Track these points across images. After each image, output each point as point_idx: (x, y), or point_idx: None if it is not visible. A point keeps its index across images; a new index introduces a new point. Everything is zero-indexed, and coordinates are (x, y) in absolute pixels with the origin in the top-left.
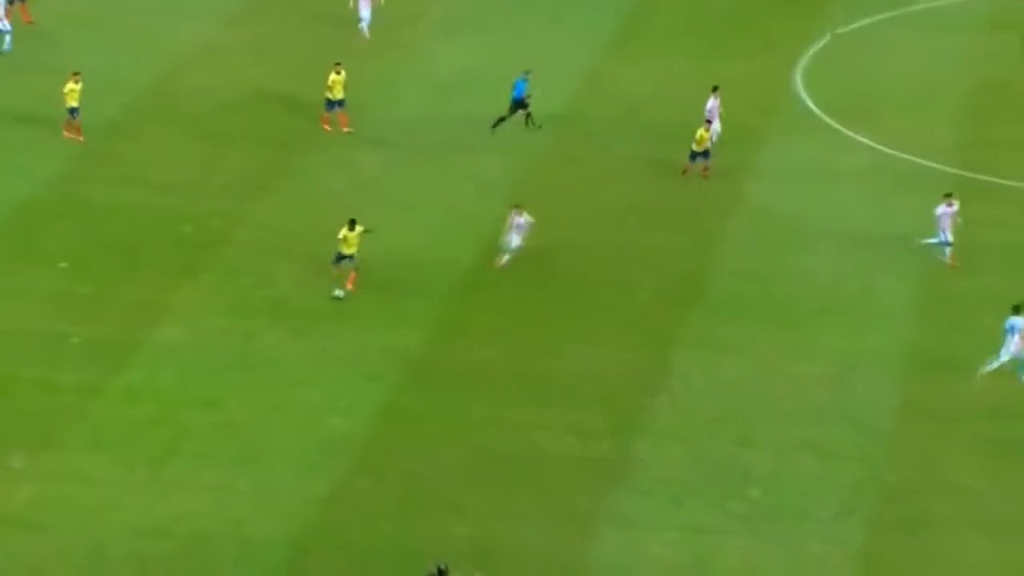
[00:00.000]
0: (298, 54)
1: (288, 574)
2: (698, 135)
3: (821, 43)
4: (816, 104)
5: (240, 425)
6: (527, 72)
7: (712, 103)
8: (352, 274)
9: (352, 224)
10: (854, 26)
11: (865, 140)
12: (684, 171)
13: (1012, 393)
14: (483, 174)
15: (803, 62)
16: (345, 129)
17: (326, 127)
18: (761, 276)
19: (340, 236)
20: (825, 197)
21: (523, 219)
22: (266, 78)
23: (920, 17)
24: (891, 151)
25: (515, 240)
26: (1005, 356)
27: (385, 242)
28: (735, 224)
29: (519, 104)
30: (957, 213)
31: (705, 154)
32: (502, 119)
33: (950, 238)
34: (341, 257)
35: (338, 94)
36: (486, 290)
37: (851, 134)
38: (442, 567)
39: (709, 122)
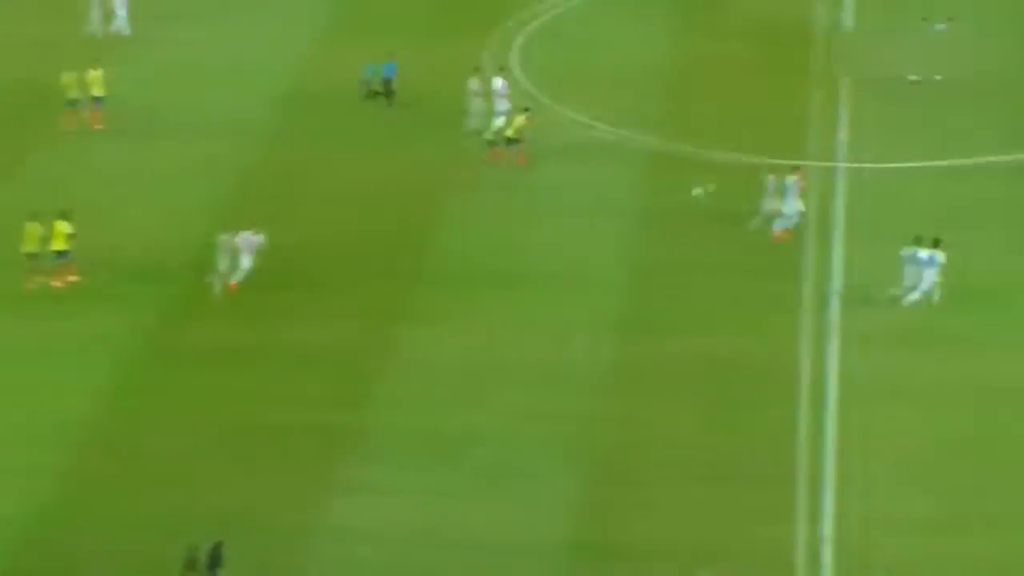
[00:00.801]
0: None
1: (26, 550)
2: (516, 122)
3: (537, 23)
4: (530, 82)
5: None
6: (392, 56)
7: (501, 83)
8: (64, 271)
9: (63, 217)
10: (568, 6)
11: (576, 116)
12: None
13: (716, 351)
14: (215, 156)
15: (519, 41)
16: (97, 127)
17: (69, 126)
18: (478, 248)
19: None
20: (539, 171)
21: (252, 237)
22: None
23: None
24: (601, 125)
25: (244, 261)
26: (926, 287)
27: (120, 227)
28: (458, 200)
29: (387, 85)
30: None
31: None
32: (375, 93)
33: (800, 207)
34: (56, 254)
35: (97, 91)
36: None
37: (563, 110)
38: (194, 553)
39: (527, 109)
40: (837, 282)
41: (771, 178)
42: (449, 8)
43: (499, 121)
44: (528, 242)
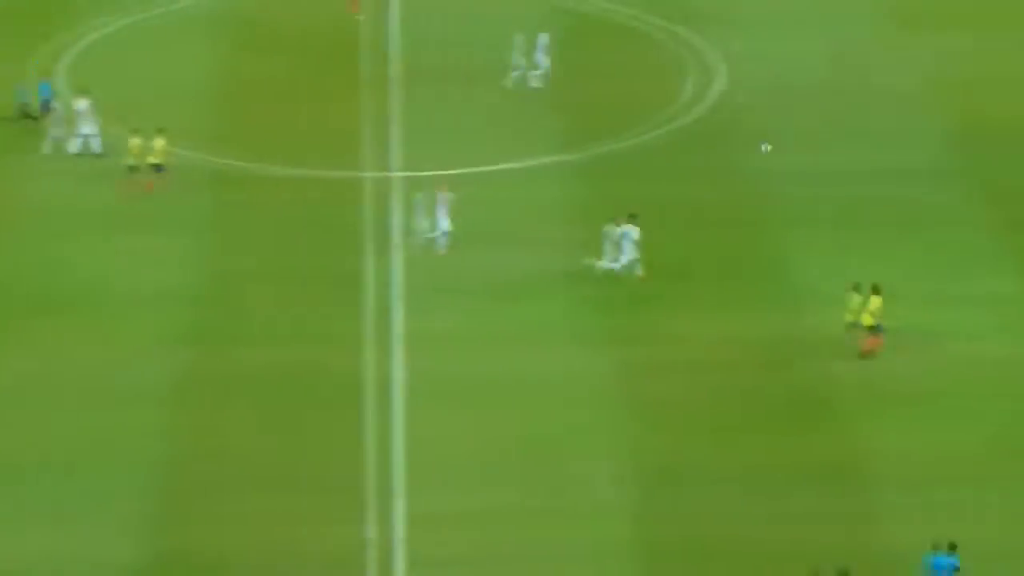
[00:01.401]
0: None
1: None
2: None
3: (84, 44)
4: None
5: None
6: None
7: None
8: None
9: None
10: (106, 31)
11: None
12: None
13: (286, 359)
14: None
15: (67, 62)
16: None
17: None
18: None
19: None
20: (91, 194)
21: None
22: None
23: (175, 16)
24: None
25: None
26: (625, 260)
27: None
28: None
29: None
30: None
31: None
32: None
33: (446, 227)
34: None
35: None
36: None
37: (120, 129)
38: None
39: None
40: (396, 290)
41: (419, 196)
42: None
43: (78, 144)
44: (76, 263)
